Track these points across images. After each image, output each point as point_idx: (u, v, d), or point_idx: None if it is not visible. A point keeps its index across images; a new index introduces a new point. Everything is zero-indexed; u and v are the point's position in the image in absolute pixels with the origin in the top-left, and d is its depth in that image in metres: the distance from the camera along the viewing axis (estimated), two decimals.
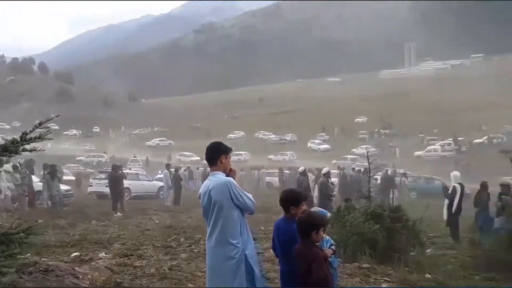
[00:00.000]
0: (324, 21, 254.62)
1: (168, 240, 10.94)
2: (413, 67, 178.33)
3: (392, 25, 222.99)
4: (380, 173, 23.17)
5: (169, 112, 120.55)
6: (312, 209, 4.66)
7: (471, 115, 69.55)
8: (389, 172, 26.11)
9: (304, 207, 4.30)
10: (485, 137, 55.18)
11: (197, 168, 35.82)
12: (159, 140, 79.11)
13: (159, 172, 31.61)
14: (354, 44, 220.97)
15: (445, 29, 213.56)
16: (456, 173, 13.13)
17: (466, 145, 54.34)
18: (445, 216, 12.37)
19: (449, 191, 12.34)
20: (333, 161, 44.33)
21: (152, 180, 26.91)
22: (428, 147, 53.51)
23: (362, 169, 23.40)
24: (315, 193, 15.74)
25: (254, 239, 4.28)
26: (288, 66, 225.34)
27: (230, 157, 4.43)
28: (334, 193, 16.68)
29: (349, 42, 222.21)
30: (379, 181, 22.92)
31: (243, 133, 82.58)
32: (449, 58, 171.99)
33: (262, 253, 8.18)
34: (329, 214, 4.91)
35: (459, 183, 12.29)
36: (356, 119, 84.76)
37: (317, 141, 67.82)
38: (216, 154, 4.29)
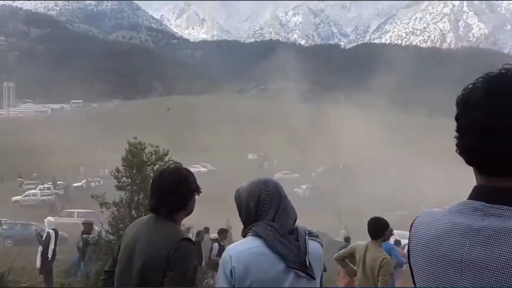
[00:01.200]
0: None
1: None
2: (12, 108, 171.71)
3: None
4: None
5: None
6: None
7: (70, 158, 70.95)
8: None
9: None
10: (84, 180, 57.30)
11: None
12: None
13: None
14: None
15: (46, 73, 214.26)
16: (50, 218, 13.36)
17: (65, 188, 55.17)
18: (38, 264, 12.34)
19: (43, 238, 12.44)
20: None
21: None
22: (27, 192, 51.81)
23: None
24: None
25: None
26: None
27: None
28: None
29: None
30: None
31: None
32: (50, 102, 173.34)
33: None
34: None
35: (53, 229, 12.54)
36: None
37: None
38: None
